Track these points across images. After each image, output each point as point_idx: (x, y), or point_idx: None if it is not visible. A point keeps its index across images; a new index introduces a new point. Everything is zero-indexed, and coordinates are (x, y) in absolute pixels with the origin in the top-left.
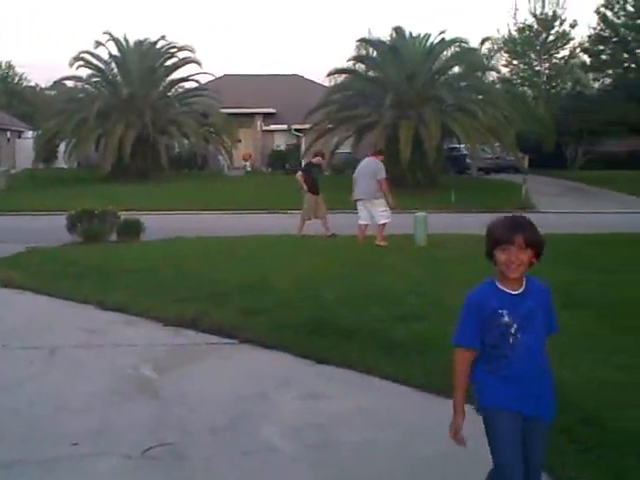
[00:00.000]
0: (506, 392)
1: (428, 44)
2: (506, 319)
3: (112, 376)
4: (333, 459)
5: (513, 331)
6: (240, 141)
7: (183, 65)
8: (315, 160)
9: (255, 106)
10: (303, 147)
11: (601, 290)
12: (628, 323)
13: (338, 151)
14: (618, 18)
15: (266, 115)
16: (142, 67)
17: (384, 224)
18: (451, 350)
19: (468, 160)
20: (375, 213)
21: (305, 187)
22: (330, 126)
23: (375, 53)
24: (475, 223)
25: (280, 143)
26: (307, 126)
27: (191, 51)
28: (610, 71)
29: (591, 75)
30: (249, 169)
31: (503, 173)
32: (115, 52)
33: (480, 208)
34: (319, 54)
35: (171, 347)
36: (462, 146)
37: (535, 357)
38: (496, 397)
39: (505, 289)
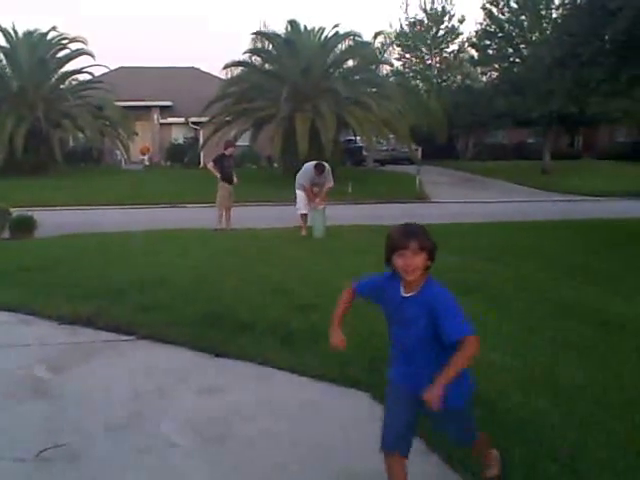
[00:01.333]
0: (395, 368)
1: (322, 37)
2: (389, 311)
3: (4, 379)
4: (230, 452)
5: (393, 324)
6: (137, 134)
7: (76, 57)
8: (228, 151)
9: (152, 99)
10: (201, 140)
11: (486, 276)
12: (512, 306)
13: (236, 144)
14: (503, 14)
15: (163, 108)
16: (32, 59)
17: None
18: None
19: (364, 152)
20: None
21: (218, 175)
22: (228, 119)
23: (271, 46)
24: (371, 214)
25: (178, 136)
26: (205, 119)
27: (84, 42)
28: (497, 65)
29: (479, 69)
30: (147, 163)
31: (398, 164)
32: (3, 43)
33: (376, 199)
34: (216, 47)
35: (67, 346)
36: (358, 138)
37: (412, 355)
38: (390, 370)
39: (401, 288)
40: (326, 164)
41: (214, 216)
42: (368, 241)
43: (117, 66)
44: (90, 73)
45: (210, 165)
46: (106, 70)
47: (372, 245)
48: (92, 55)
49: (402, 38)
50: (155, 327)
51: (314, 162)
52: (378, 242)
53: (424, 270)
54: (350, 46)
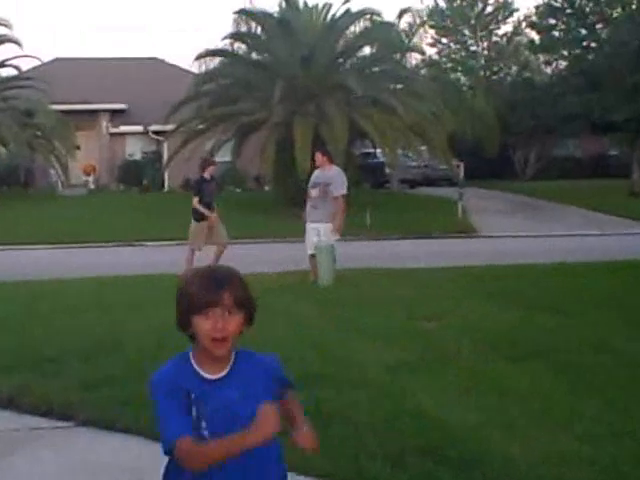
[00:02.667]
0: None
1: (329, 17)
2: (194, 413)
3: None
4: None
5: (203, 430)
6: (79, 148)
7: None
8: (208, 173)
9: (99, 100)
10: (165, 155)
11: (554, 336)
12: (589, 377)
13: (215, 160)
14: None
15: (115, 113)
16: None
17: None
18: None
19: (387, 170)
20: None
21: (207, 213)
22: (202, 127)
23: (260, 29)
24: (397, 252)
25: (134, 150)
26: (170, 127)
27: (7, 26)
28: (565, 52)
29: (541, 57)
30: (92, 186)
31: (433, 186)
32: None
33: (403, 233)
34: (185, 31)
35: None
36: (378, 151)
37: (235, 469)
38: None
39: (201, 371)
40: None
41: (183, 257)
42: (389, 290)
43: (52, 57)
44: (16, 67)
45: (195, 201)
46: (38, 63)
47: (395, 296)
48: (19, 43)
49: (437, 17)
50: (101, 409)
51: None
52: (404, 292)
53: (237, 337)
54: (366, 28)
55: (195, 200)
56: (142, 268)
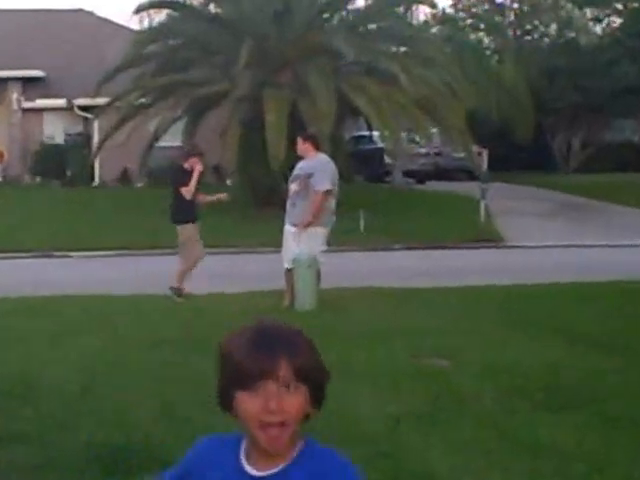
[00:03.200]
0: None
1: None
2: None
3: None
4: None
5: None
6: None
7: None
8: (188, 165)
9: (8, 66)
10: (96, 138)
11: (599, 380)
12: None
13: (160, 144)
14: None
15: (28, 82)
16: None
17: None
18: None
19: (387, 159)
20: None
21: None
22: (143, 100)
23: None
24: (399, 266)
25: (54, 131)
26: (102, 101)
27: None
28: (619, 5)
29: (588, 12)
30: None
31: (447, 180)
32: None
33: (408, 241)
34: None
35: None
36: (375, 134)
37: None
38: None
39: (244, 462)
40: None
41: (172, 270)
42: (389, 318)
43: None
44: None
45: (188, 191)
46: None
47: (397, 326)
48: None
49: None
50: (13, 473)
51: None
52: (408, 320)
53: (301, 423)
54: None
55: (186, 190)
56: (65, 285)
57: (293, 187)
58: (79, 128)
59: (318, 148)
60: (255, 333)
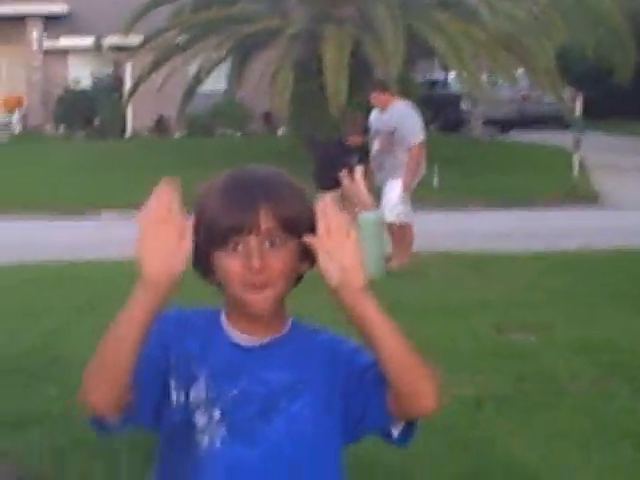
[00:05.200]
0: None
1: None
2: (200, 392)
3: None
4: None
5: (210, 426)
6: None
7: None
8: (352, 140)
9: (27, 0)
10: (128, 81)
11: None
12: None
13: (202, 90)
14: None
15: (50, 19)
16: None
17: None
18: None
19: (464, 106)
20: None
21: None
22: (182, 39)
23: None
24: (478, 228)
25: (81, 75)
26: (135, 40)
27: None
28: None
29: None
30: (18, 129)
31: (534, 129)
32: None
33: (488, 200)
34: None
35: None
36: (451, 77)
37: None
38: None
39: (231, 330)
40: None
41: None
42: (468, 287)
43: None
44: None
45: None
46: None
47: (477, 297)
48: None
49: None
50: (32, 456)
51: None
52: (489, 290)
53: (291, 284)
54: None
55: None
56: (94, 250)
57: (376, 146)
58: (108, 71)
59: (393, 95)
60: (228, 181)
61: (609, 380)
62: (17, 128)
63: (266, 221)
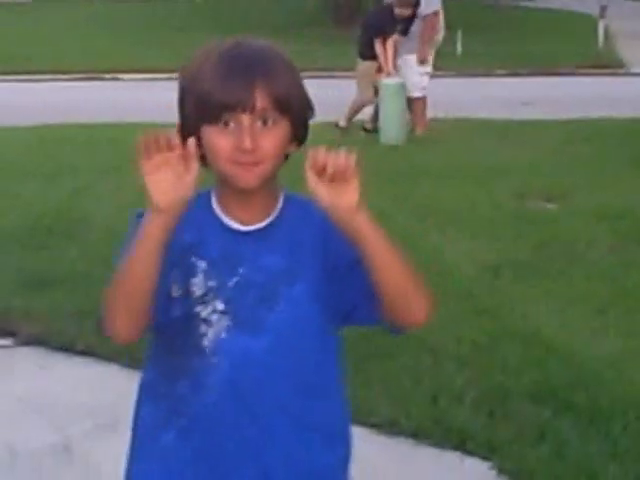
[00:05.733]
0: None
1: None
2: (200, 283)
3: None
4: None
5: (213, 316)
6: None
7: None
8: (400, 12)
9: None
10: None
11: None
12: None
13: None
14: None
15: None
16: None
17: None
18: None
19: None
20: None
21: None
22: None
23: None
24: (500, 94)
25: None
26: None
27: None
28: None
29: None
30: None
31: None
32: None
33: (512, 66)
34: None
35: None
36: None
37: (268, 388)
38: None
39: (224, 217)
40: None
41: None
42: (489, 154)
43: None
44: None
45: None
46: None
47: (498, 163)
48: None
49: None
50: (53, 321)
51: None
52: (511, 157)
53: (281, 163)
54: None
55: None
56: (116, 113)
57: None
58: None
59: None
60: (224, 55)
61: (628, 247)
62: None
63: (261, 100)
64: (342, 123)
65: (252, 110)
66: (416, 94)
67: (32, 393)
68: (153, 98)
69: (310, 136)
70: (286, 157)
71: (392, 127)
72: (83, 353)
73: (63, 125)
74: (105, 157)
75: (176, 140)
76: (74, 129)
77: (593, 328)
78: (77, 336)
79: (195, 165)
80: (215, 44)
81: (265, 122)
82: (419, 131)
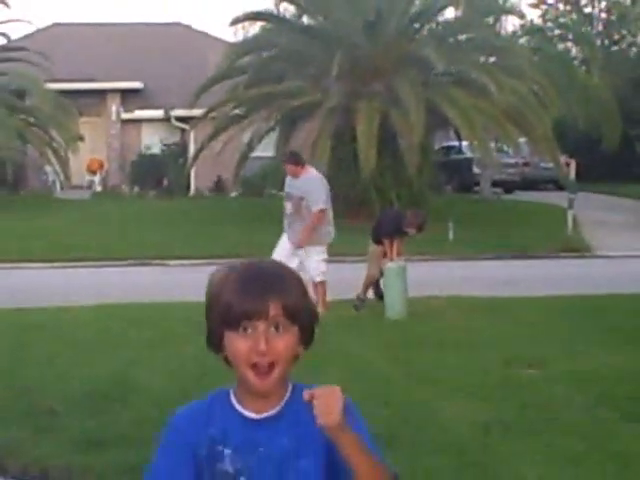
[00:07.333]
0: None
1: None
2: (227, 467)
3: None
4: None
5: None
6: (82, 139)
7: None
8: (408, 229)
9: (108, 78)
10: (192, 147)
11: None
12: None
13: (255, 155)
14: None
15: (127, 93)
16: None
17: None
18: None
19: (475, 169)
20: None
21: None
22: (238, 112)
23: None
24: (489, 276)
25: (152, 142)
26: (198, 112)
27: None
28: None
29: None
30: (99, 188)
31: (534, 190)
32: None
33: (496, 251)
34: None
35: None
36: (464, 145)
37: None
38: None
39: (241, 409)
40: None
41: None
42: (479, 327)
43: (49, 23)
44: (4, 34)
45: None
46: (31, 29)
47: (487, 335)
48: (7, 4)
49: None
50: (106, 477)
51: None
52: (497, 329)
53: (292, 364)
54: None
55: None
56: (163, 293)
57: (288, 207)
58: (176, 138)
59: (303, 165)
60: (244, 273)
61: (598, 407)
62: (98, 187)
63: (274, 310)
64: (361, 295)
65: (266, 318)
66: (318, 279)
67: None
68: (195, 281)
69: (328, 312)
70: (296, 358)
71: (395, 303)
72: None
73: (116, 303)
74: (152, 332)
75: None
76: (126, 306)
77: (570, 478)
78: None
79: None
80: (230, 267)
81: (277, 328)
82: (321, 310)
